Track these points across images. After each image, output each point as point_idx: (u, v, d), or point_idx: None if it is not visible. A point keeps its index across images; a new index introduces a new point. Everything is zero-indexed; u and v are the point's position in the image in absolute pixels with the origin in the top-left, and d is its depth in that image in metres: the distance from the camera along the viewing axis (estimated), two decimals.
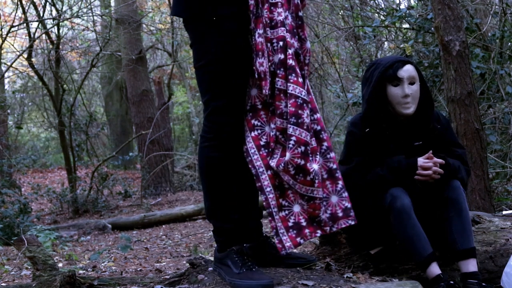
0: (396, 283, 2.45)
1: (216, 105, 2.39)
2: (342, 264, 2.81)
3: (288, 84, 2.34)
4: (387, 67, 2.72)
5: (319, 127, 2.48)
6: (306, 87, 2.44)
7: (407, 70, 2.71)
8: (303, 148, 2.33)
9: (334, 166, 2.48)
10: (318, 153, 2.43)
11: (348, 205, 2.48)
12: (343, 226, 2.47)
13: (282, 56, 2.35)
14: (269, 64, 2.37)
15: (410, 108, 2.71)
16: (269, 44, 2.36)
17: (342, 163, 2.76)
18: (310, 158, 2.36)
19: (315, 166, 2.38)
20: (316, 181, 2.39)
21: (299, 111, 2.32)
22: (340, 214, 2.48)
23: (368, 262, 2.79)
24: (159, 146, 10.28)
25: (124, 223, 7.58)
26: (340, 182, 2.48)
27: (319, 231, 2.46)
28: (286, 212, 2.45)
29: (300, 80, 2.35)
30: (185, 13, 2.45)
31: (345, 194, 2.49)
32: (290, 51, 2.35)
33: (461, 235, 2.61)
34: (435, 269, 2.53)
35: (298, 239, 2.44)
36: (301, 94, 2.33)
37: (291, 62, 2.34)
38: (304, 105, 2.33)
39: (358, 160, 2.72)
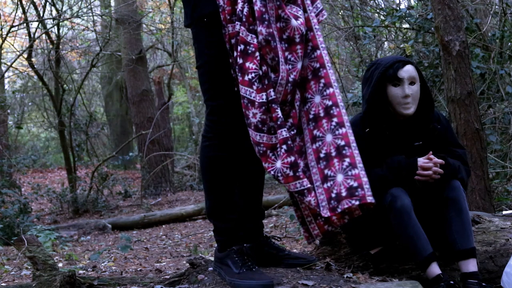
0: (396, 283, 2.45)
1: (214, 105, 2.39)
2: (342, 264, 2.81)
3: (239, 84, 2.27)
4: (388, 67, 2.72)
5: (330, 102, 2.34)
6: (296, 72, 2.32)
7: (408, 71, 2.72)
8: (257, 148, 2.29)
9: (342, 143, 2.29)
10: (286, 145, 2.27)
11: (354, 184, 2.23)
12: (346, 206, 2.23)
13: (235, 54, 2.28)
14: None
15: (410, 108, 2.72)
16: (232, 40, 2.30)
17: None
18: (271, 156, 2.29)
19: (277, 165, 2.27)
20: (281, 177, 2.27)
21: (246, 112, 2.27)
22: (344, 194, 2.25)
23: (368, 262, 2.79)
24: (159, 146, 10.28)
25: (124, 223, 7.58)
26: (347, 160, 2.26)
27: (346, 217, 2.40)
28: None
29: (247, 78, 2.24)
30: (185, 18, 2.49)
31: (353, 171, 2.25)
32: (240, 47, 2.25)
33: (461, 235, 2.61)
34: (435, 269, 2.54)
35: (326, 226, 2.42)
36: (246, 94, 2.25)
37: (239, 60, 2.25)
38: (249, 105, 2.25)
39: None
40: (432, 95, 2.81)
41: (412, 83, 2.73)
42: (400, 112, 2.72)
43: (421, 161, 2.68)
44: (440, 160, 2.68)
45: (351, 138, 2.31)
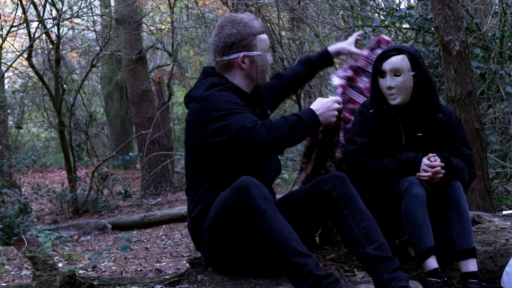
0: None
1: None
2: (342, 264, 2.80)
3: None
4: (376, 59, 2.84)
5: None
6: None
7: (391, 62, 2.77)
8: None
9: None
10: None
11: None
12: None
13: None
14: None
15: (396, 99, 2.78)
16: None
17: (348, 142, 2.87)
18: None
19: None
20: None
21: None
22: None
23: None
24: (159, 146, 10.27)
25: (124, 223, 7.58)
26: None
27: None
28: None
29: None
30: None
31: None
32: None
33: (461, 235, 2.62)
34: (433, 262, 2.57)
35: None
36: None
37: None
38: None
39: (362, 141, 2.80)
40: (434, 87, 2.83)
41: (396, 74, 2.76)
42: (389, 102, 2.79)
43: (424, 162, 2.71)
44: (440, 164, 2.70)
45: None
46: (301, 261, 2.15)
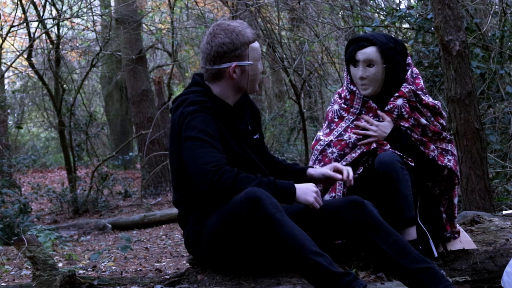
0: (396, 283, 2.46)
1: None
2: (342, 264, 2.81)
3: None
4: (350, 45, 2.87)
5: None
6: None
7: (365, 53, 2.80)
8: None
9: None
10: None
11: None
12: None
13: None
14: None
15: (367, 89, 2.83)
16: None
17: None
18: None
19: None
20: None
21: None
22: None
23: (368, 262, 2.80)
24: (159, 146, 10.27)
25: (124, 223, 7.58)
26: None
27: None
28: None
29: None
30: None
31: None
32: None
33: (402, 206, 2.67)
34: (414, 232, 2.65)
35: None
36: None
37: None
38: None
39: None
40: (403, 79, 2.85)
41: (369, 65, 2.80)
42: (360, 91, 2.86)
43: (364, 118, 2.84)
44: (375, 122, 2.80)
45: None
46: (318, 260, 2.18)
